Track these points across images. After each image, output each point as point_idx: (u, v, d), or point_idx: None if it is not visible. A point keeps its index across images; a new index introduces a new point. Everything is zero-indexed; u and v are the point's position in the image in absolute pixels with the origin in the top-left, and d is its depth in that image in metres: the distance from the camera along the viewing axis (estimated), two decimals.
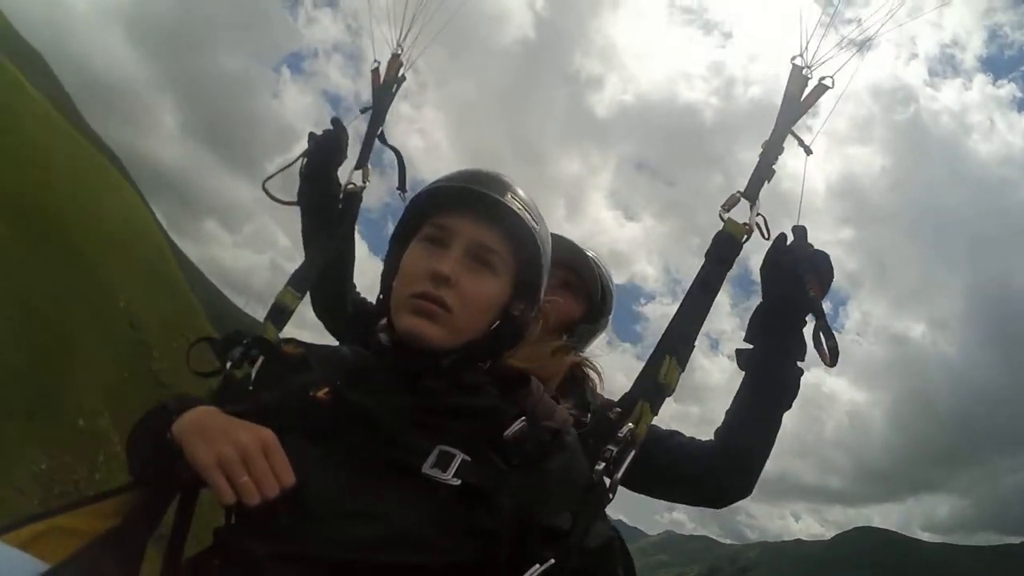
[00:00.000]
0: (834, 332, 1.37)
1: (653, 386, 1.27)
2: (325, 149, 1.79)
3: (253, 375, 1.30)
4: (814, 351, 1.41)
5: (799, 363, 1.45)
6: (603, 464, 1.15)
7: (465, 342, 1.16)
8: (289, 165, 1.80)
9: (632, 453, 1.18)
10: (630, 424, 1.21)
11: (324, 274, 1.75)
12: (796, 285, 1.37)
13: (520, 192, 1.21)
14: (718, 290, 1.37)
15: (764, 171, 1.45)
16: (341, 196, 1.81)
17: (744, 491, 1.53)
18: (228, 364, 1.32)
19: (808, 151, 1.51)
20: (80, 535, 1.07)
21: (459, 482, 1.01)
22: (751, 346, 1.49)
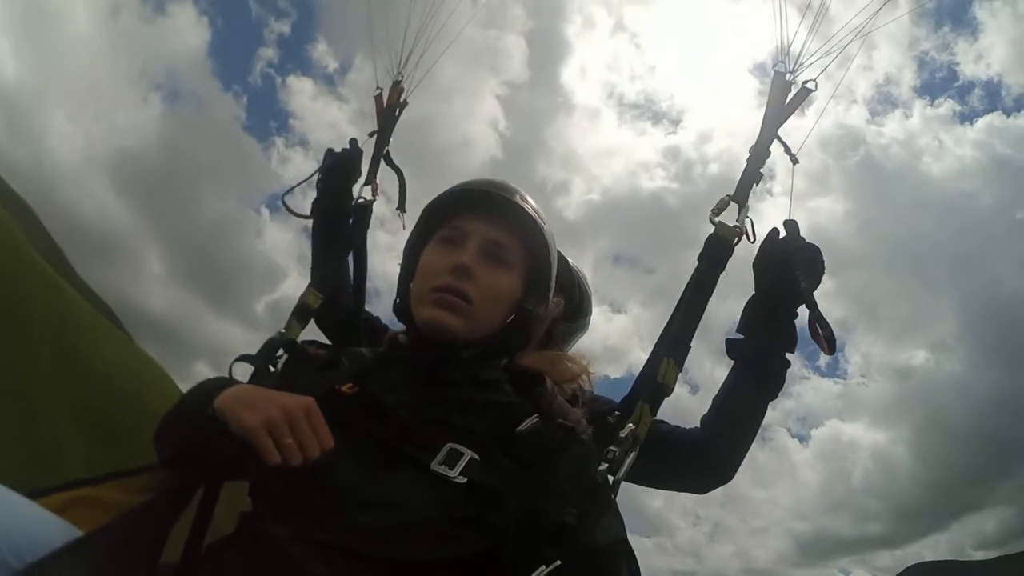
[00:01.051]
0: (829, 323, 1.37)
1: (652, 387, 1.29)
2: (342, 164, 1.91)
3: (280, 369, 1.37)
4: (810, 344, 1.44)
5: (788, 355, 1.46)
6: (606, 465, 1.16)
7: (483, 335, 1.20)
8: (307, 179, 1.93)
9: (634, 453, 1.19)
10: (631, 425, 1.22)
11: (332, 301, 1.80)
12: (788, 277, 1.39)
13: (527, 195, 1.28)
14: (712, 291, 1.38)
15: (752, 175, 1.47)
16: (353, 208, 1.91)
17: (726, 477, 1.54)
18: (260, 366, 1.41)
19: (795, 160, 1.53)
20: (111, 506, 1.11)
21: (465, 480, 1.02)
22: (741, 336, 1.50)
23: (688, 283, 1.41)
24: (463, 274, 1.18)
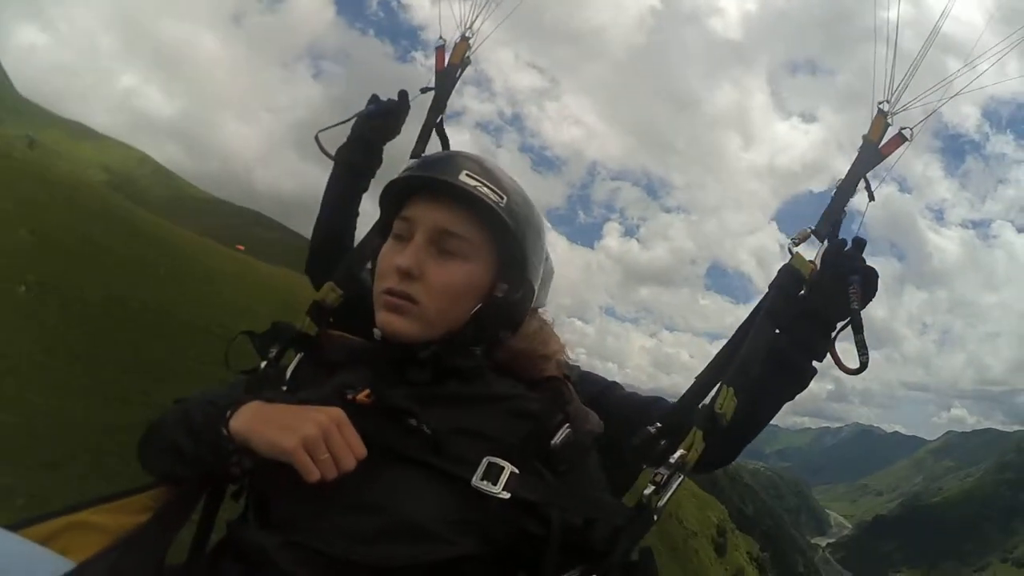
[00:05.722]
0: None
1: (708, 415, 1.22)
2: (383, 116, 1.72)
3: (289, 373, 1.28)
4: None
5: (816, 363, 1.41)
6: (653, 487, 1.13)
7: (444, 332, 1.15)
8: (346, 121, 1.73)
9: (681, 479, 1.16)
10: (683, 451, 1.17)
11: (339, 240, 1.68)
12: (842, 290, 1.34)
13: (483, 166, 1.16)
14: (779, 321, 1.36)
15: (836, 211, 1.44)
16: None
17: (729, 460, 1.52)
18: (266, 360, 1.30)
19: (871, 198, 1.49)
20: (104, 531, 1.08)
21: (508, 496, 1.01)
22: (777, 330, 1.42)
23: (756, 309, 1.38)
24: (405, 276, 1.12)
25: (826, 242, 1.42)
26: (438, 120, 1.74)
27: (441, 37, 1.79)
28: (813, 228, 1.44)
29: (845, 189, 1.47)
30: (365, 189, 1.74)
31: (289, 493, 1.02)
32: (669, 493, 1.14)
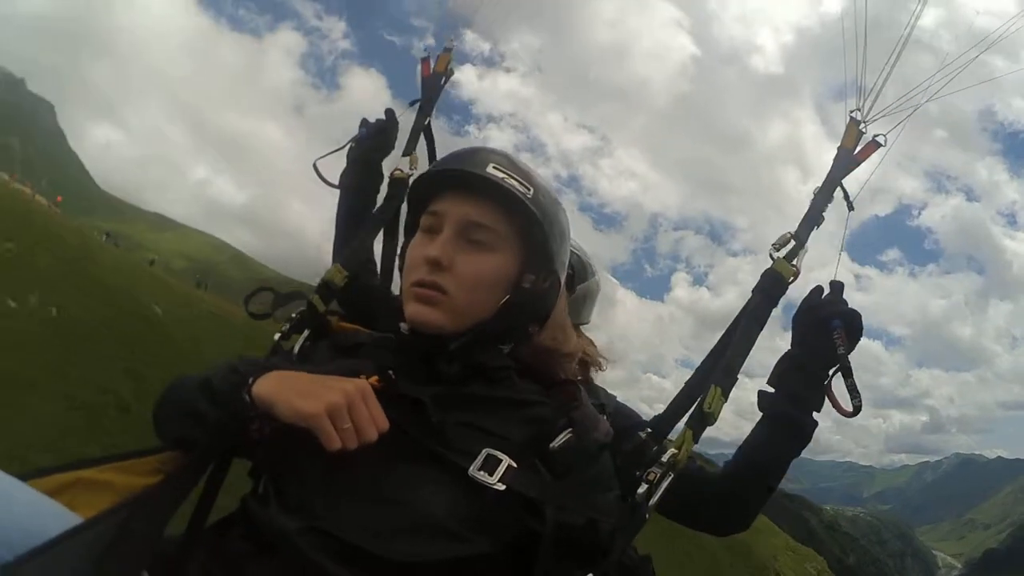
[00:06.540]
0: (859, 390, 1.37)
1: (698, 415, 1.26)
2: (374, 136, 1.85)
3: (297, 349, 1.33)
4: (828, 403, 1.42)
5: (815, 413, 1.43)
6: (645, 487, 1.14)
7: (473, 323, 1.15)
8: (341, 148, 1.85)
9: (671, 478, 1.17)
10: (673, 450, 1.19)
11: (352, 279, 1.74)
12: (826, 338, 1.36)
13: (509, 160, 1.20)
14: (763, 325, 1.39)
15: (814, 217, 1.49)
16: (387, 183, 1.81)
17: (744, 526, 1.56)
18: (279, 333, 1.38)
19: (850, 207, 1.53)
20: (112, 489, 1.10)
21: (504, 487, 1.01)
22: (772, 390, 1.47)
23: (741, 313, 1.42)
24: (435, 267, 1.13)
25: (805, 249, 1.46)
26: (426, 122, 1.89)
27: (425, 49, 1.98)
28: (792, 232, 1.49)
29: (822, 194, 1.52)
30: (373, 207, 1.84)
31: (305, 473, 1.02)
32: (660, 492, 1.15)
